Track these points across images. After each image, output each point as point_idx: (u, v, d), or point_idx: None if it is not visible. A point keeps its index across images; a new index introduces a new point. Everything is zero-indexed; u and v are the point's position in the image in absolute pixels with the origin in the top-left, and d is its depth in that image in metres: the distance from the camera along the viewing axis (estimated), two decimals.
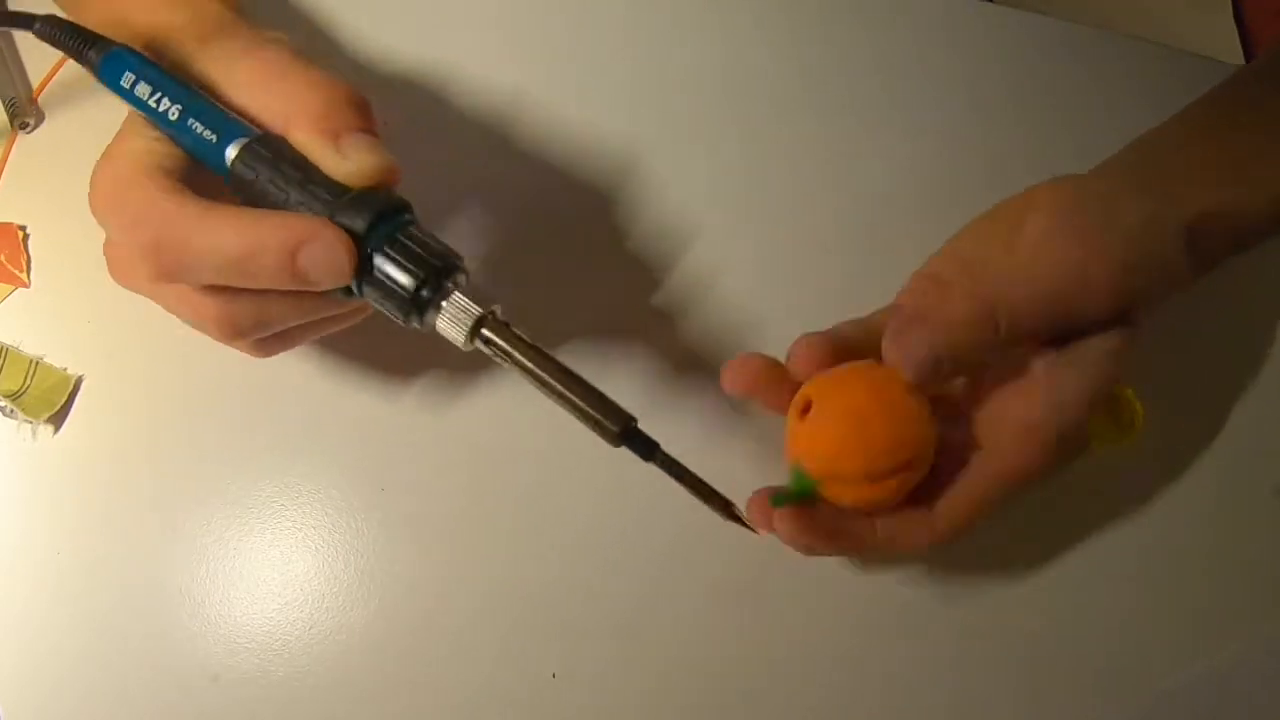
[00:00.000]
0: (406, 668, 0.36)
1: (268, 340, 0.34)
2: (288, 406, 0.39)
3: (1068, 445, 0.33)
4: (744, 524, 0.32)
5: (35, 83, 0.43)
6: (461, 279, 0.31)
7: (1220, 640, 0.38)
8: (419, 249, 0.30)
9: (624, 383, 0.39)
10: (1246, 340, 0.42)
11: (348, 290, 0.31)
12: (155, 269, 0.30)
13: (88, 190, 0.32)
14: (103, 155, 0.33)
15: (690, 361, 0.40)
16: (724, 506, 0.32)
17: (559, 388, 0.30)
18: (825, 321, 0.37)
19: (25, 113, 0.43)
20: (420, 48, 0.44)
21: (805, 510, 0.33)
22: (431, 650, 0.37)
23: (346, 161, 0.31)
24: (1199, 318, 0.40)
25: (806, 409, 0.33)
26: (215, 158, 0.31)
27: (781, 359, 0.35)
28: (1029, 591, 0.38)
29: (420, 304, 0.30)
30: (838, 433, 0.32)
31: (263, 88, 0.32)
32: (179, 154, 0.32)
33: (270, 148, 0.31)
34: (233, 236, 0.29)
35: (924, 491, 0.34)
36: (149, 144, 0.32)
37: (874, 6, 0.47)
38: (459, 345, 0.31)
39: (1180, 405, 0.39)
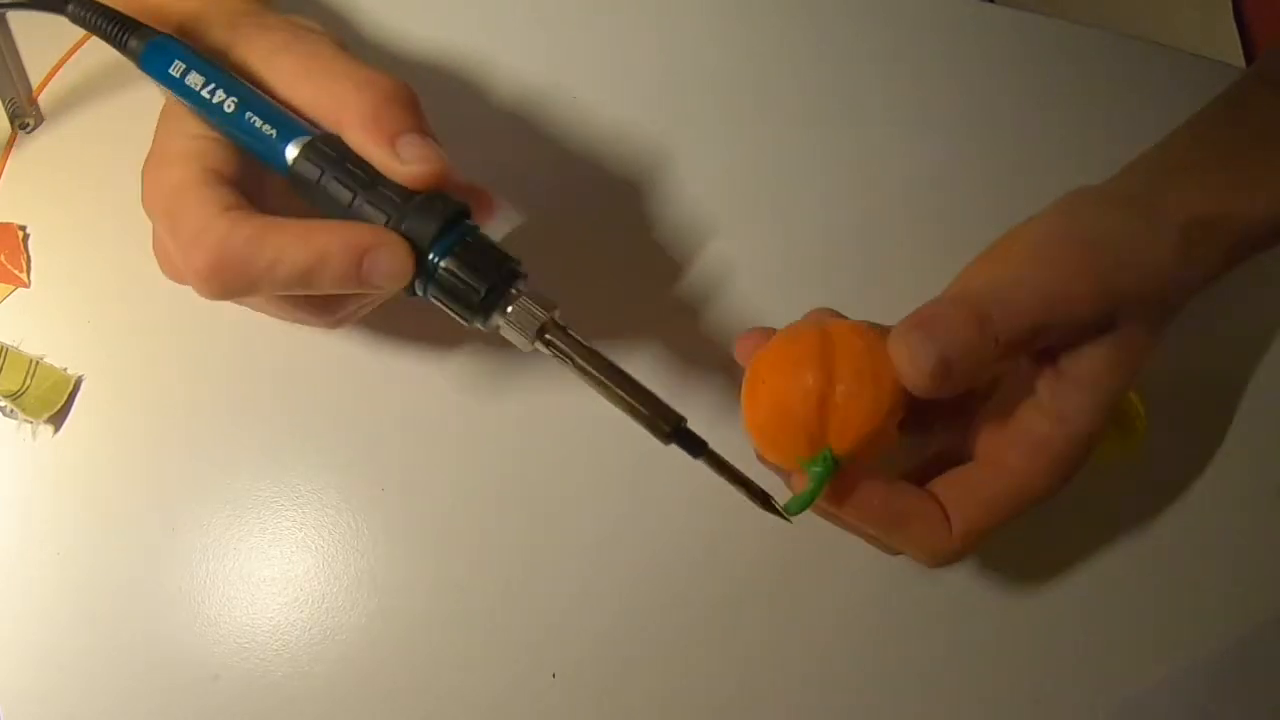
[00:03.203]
0: (406, 668, 0.36)
1: (338, 317, 0.35)
2: (288, 406, 0.39)
3: (1077, 461, 0.32)
4: (782, 515, 0.32)
5: (35, 83, 0.43)
6: (522, 284, 0.32)
7: (1220, 639, 0.38)
8: (485, 256, 0.31)
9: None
10: (1247, 340, 0.42)
11: (410, 290, 0.32)
12: (216, 289, 0.30)
13: (140, 191, 0.31)
14: (150, 154, 0.32)
15: (706, 354, 0.40)
16: (763, 499, 0.32)
17: (615, 388, 0.31)
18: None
19: (25, 113, 0.43)
20: (444, 40, 0.45)
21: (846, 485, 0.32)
22: (431, 650, 0.37)
23: (404, 166, 0.31)
24: (1199, 318, 0.40)
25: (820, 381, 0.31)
26: (274, 155, 0.31)
27: None
28: (1030, 592, 0.38)
29: (486, 307, 0.31)
30: (871, 404, 0.31)
31: (309, 84, 0.32)
32: (229, 152, 0.32)
33: (334, 147, 0.31)
34: (296, 252, 0.29)
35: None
36: (197, 143, 0.31)
37: (875, 6, 0.47)
38: (521, 348, 0.32)
39: (1181, 406, 0.39)
